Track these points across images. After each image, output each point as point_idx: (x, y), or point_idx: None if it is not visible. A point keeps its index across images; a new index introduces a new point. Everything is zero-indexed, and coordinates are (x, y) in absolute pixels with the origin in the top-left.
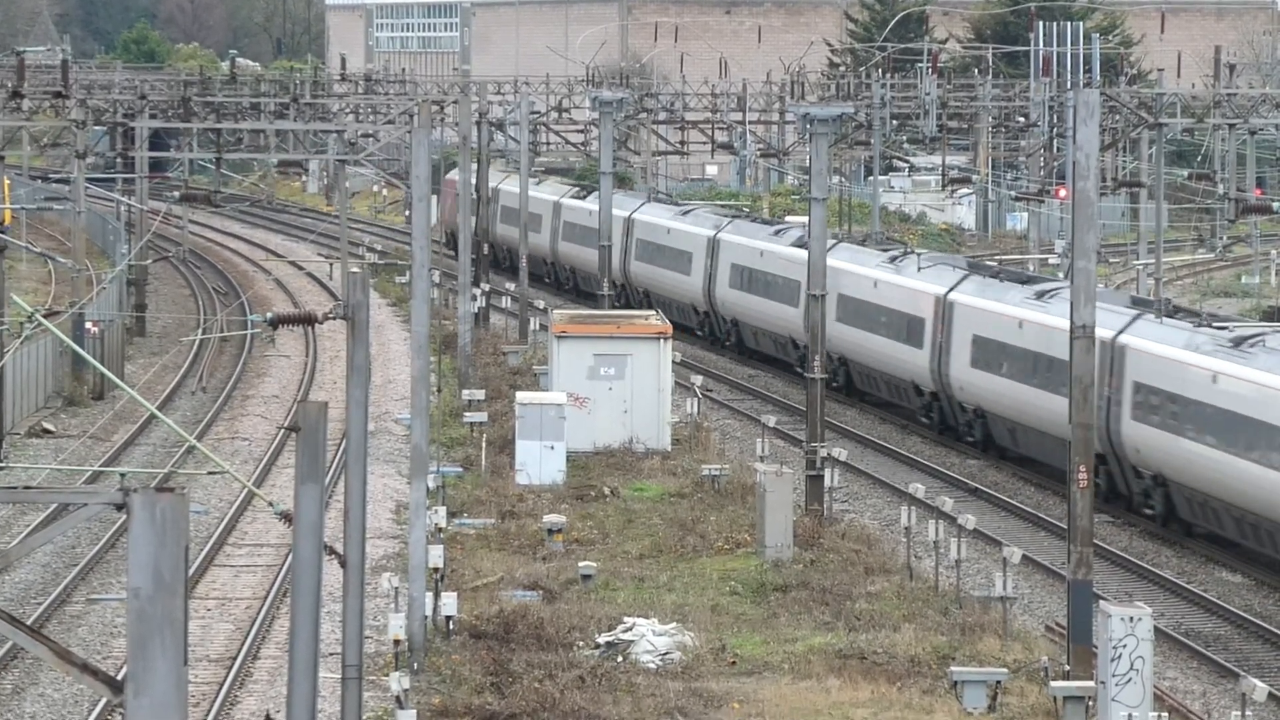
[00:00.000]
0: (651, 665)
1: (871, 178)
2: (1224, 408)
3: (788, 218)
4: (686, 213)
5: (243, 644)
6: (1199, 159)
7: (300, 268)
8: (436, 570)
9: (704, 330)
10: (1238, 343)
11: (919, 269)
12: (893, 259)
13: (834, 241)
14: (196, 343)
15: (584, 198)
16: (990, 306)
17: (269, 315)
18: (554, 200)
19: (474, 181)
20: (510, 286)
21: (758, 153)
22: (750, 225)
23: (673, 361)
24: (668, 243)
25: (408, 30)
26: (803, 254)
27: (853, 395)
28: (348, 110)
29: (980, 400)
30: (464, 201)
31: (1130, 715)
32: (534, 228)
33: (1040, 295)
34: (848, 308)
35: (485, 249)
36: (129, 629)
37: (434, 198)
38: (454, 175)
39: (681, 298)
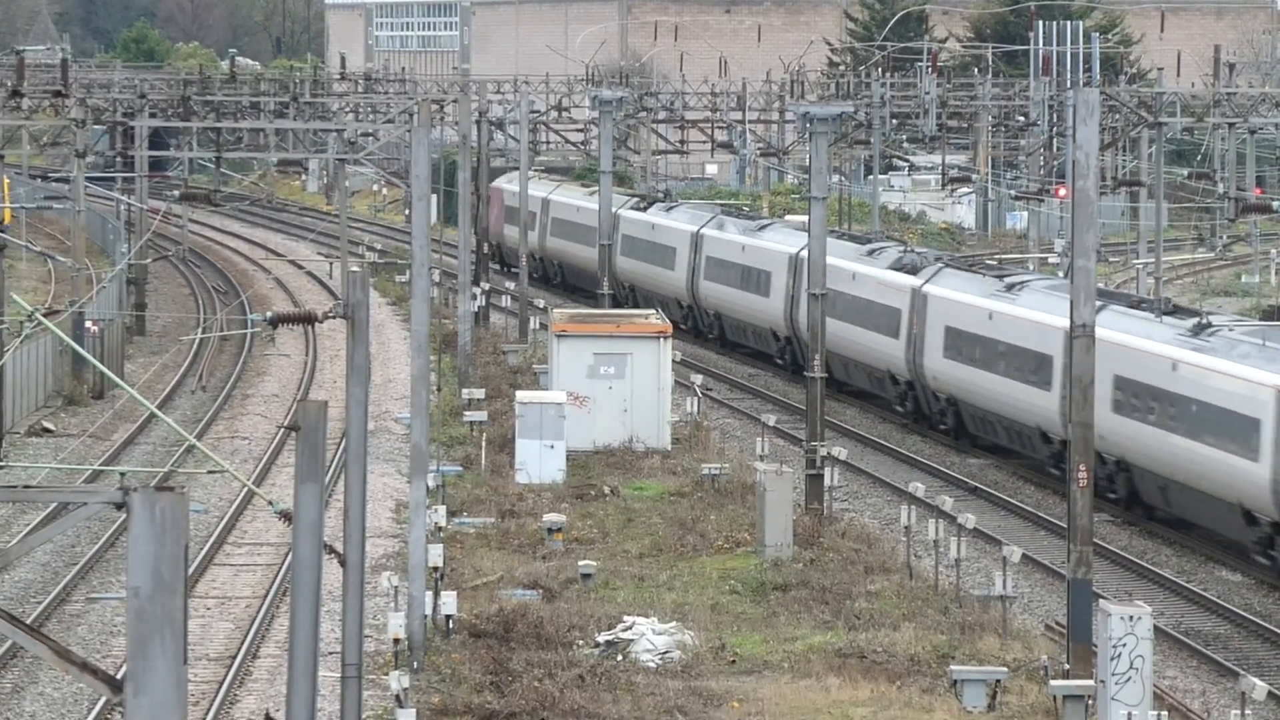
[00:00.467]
0: (651, 664)
1: (871, 177)
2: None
3: (787, 217)
4: (764, 228)
5: (242, 643)
6: (1199, 158)
7: (300, 267)
8: (436, 569)
9: (783, 359)
10: (1010, 287)
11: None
12: (871, 252)
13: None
14: (196, 342)
15: (645, 209)
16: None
17: (269, 314)
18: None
19: (512, 189)
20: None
21: (757, 152)
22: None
23: (672, 360)
24: (743, 260)
25: (407, 29)
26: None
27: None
28: (347, 109)
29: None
30: (523, 210)
31: (1130, 714)
32: (587, 241)
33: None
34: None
35: (513, 259)
36: (129, 628)
37: (472, 204)
38: (501, 183)
39: (760, 322)
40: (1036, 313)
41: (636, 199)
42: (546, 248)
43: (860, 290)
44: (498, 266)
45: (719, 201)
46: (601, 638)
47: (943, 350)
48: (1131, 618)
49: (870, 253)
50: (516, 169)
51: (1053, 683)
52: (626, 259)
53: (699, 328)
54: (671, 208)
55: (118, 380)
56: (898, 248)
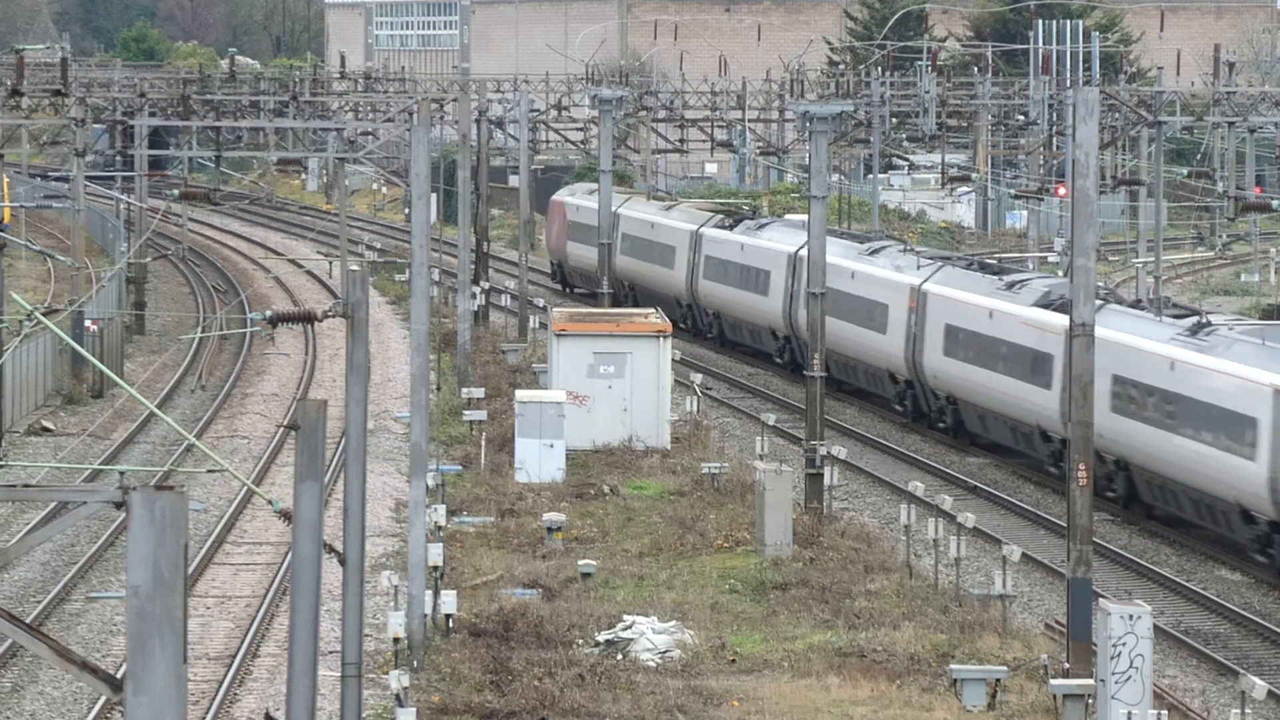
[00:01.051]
0: (651, 663)
1: (871, 176)
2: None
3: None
4: (876, 252)
5: (242, 642)
6: (1198, 157)
7: (300, 266)
8: (436, 568)
9: (907, 407)
10: (1011, 285)
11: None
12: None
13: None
14: (196, 341)
15: (732, 227)
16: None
17: (268, 313)
18: (692, 230)
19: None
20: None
21: (757, 151)
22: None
23: (672, 359)
24: (855, 289)
25: (407, 28)
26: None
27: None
28: (347, 108)
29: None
30: (603, 222)
31: (1130, 713)
32: (664, 262)
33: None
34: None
35: (577, 280)
36: (128, 627)
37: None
38: (564, 196)
39: (876, 365)
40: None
41: (719, 215)
42: (618, 267)
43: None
44: (561, 287)
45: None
46: (601, 637)
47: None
48: (1131, 616)
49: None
50: (582, 180)
51: (1052, 681)
52: (710, 283)
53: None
54: (763, 225)
55: (117, 379)
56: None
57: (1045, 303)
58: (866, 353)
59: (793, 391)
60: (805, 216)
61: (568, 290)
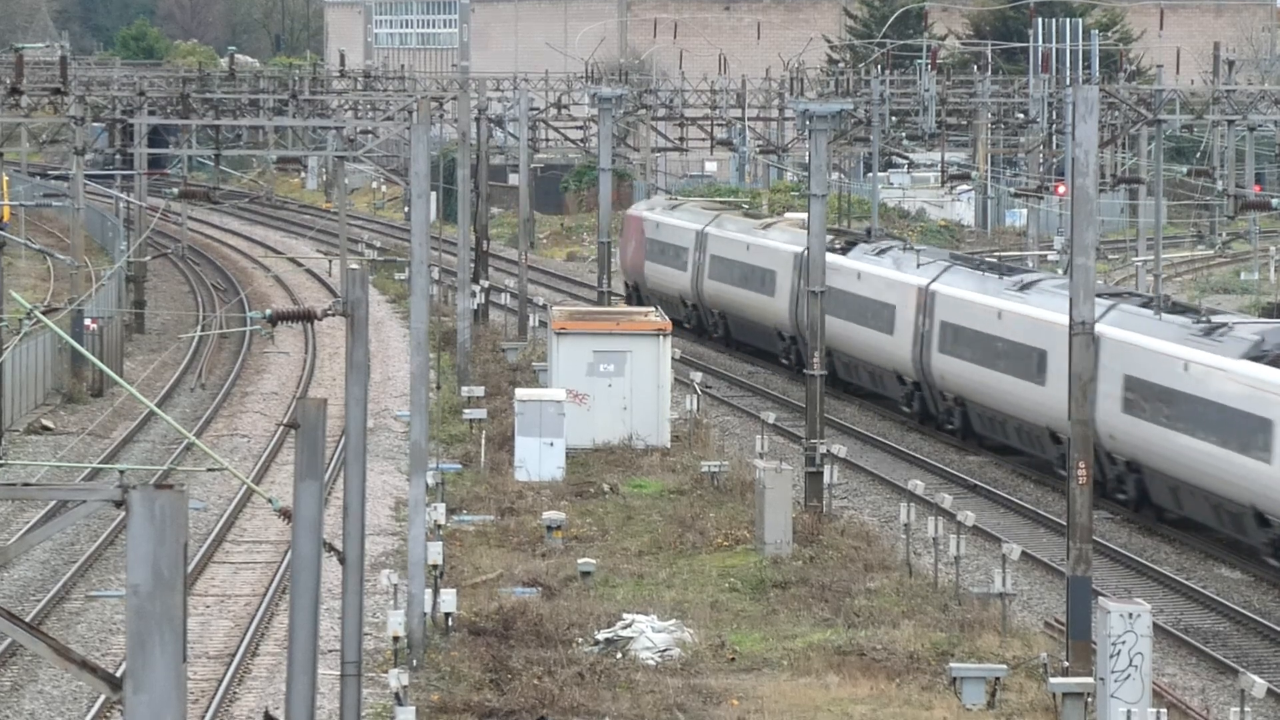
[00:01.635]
0: (651, 662)
1: (871, 174)
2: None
3: (787, 214)
4: (1026, 289)
5: (242, 641)
6: (1198, 155)
7: (299, 264)
8: (436, 567)
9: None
10: (1021, 286)
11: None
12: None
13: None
14: (195, 339)
15: (844, 251)
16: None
17: (268, 312)
18: (796, 252)
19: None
20: (698, 383)
21: (757, 149)
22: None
23: (672, 358)
24: (1001, 335)
25: (406, 26)
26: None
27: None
28: (347, 107)
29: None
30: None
31: (1129, 711)
32: (762, 289)
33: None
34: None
35: (655, 304)
36: (128, 626)
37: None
38: (642, 210)
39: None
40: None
41: (829, 237)
42: (703, 293)
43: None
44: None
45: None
46: (601, 635)
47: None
48: (1131, 615)
49: (876, 251)
50: (660, 191)
51: (1052, 680)
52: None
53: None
54: (883, 250)
55: (117, 378)
56: (899, 245)
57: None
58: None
59: (792, 390)
60: (922, 246)
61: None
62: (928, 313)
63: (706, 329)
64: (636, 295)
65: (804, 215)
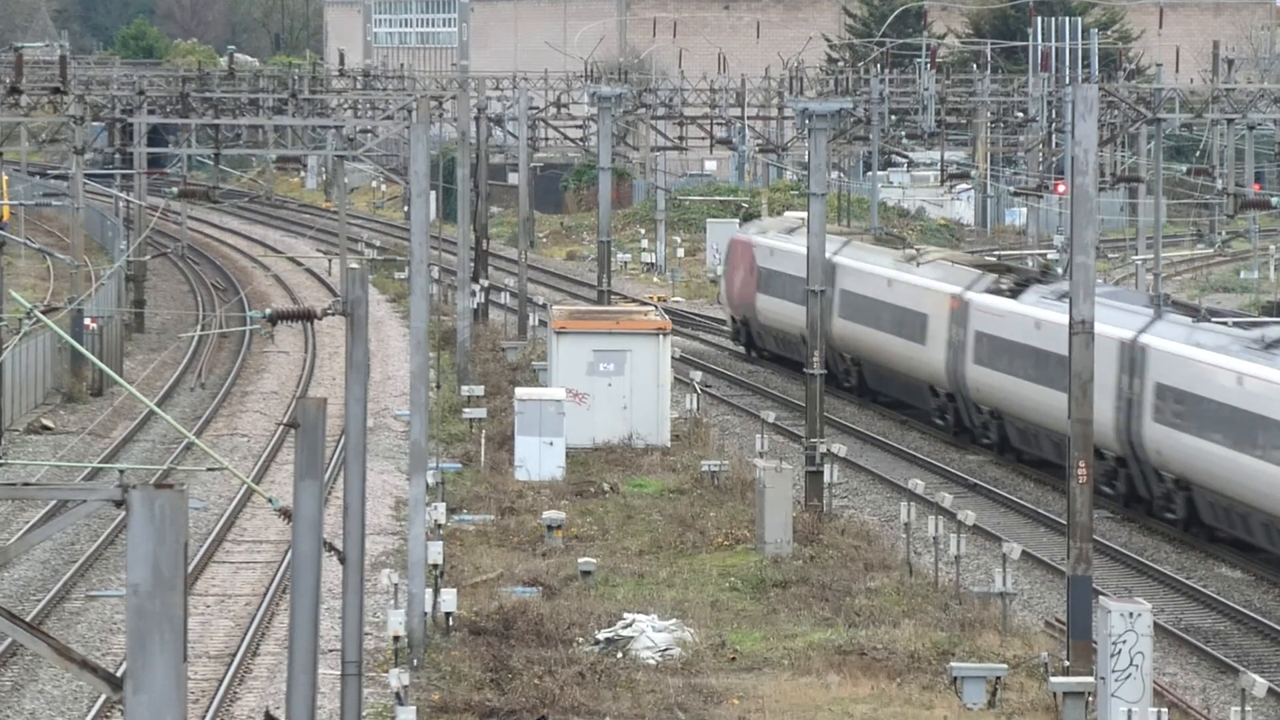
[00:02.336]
0: (651, 661)
1: (870, 173)
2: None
3: (787, 213)
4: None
5: (242, 640)
6: (1197, 154)
7: (299, 264)
8: (436, 566)
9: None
10: (1269, 345)
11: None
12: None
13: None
14: (195, 339)
15: (1015, 294)
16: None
17: (268, 311)
18: (954, 293)
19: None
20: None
21: (756, 148)
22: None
23: (672, 357)
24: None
25: (406, 26)
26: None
27: (1006, 451)
28: (346, 106)
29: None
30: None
31: (1130, 711)
32: (909, 334)
33: (1269, 346)
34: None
35: (767, 342)
36: (128, 625)
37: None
38: (752, 235)
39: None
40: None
41: (992, 275)
42: (834, 334)
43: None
44: (745, 350)
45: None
46: (601, 635)
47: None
48: (1131, 614)
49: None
50: (782, 213)
51: (1053, 679)
52: (986, 371)
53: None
54: (1065, 294)
55: (117, 377)
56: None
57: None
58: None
59: (791, 389)
60: (1106, 286)
61: (753, 354)
62: (1135, 372)
63: (835, 376)
64: (746, 331)
65: (951, 250)
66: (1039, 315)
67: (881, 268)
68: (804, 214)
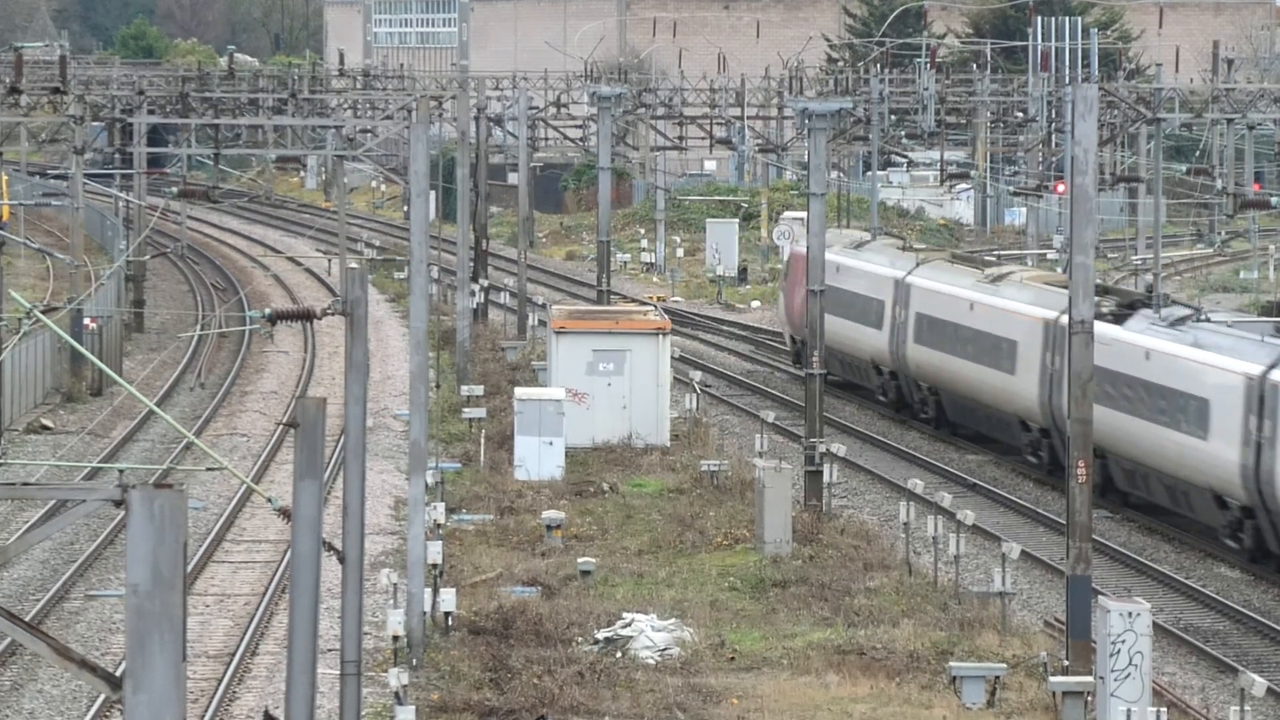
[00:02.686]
0: (650, 661)
1: (870, 173)
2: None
3: (786, 213)
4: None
5: (241, 640)
6: (1197, 154)
7: (298, 263)
8: (435, 566)
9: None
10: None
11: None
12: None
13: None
14: (195, 339)
15: (1121, 319)
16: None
17: (267, 311)
18: (1045, 318)
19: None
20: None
21: (756, 148)
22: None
23: (671, 357)
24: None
25: (406, 25)
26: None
27: (1109, 494)
28: (346, 106)
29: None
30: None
31: (1129, 710)
32: (993, 361)
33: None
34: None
35: (837, 368)
36: (127, 625)
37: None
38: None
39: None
40: None
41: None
42: (907, 359)
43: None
44: (799, 368)
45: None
46: (601, 634)
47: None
48: (1130, 614)
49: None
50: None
51: (1052, 679)
52: (1111, 410)
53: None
54: (1179, 320)
55: (116, 377)
56: (1193, 312)
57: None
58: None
59: (791, 389)
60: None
61: (805, 368)
62: (1266, 414)
63: (909, 405)
64: (806, 352)
65: (1039, 269)
66: (1149, 345)
67: (961, 289)
68: (866, 233)
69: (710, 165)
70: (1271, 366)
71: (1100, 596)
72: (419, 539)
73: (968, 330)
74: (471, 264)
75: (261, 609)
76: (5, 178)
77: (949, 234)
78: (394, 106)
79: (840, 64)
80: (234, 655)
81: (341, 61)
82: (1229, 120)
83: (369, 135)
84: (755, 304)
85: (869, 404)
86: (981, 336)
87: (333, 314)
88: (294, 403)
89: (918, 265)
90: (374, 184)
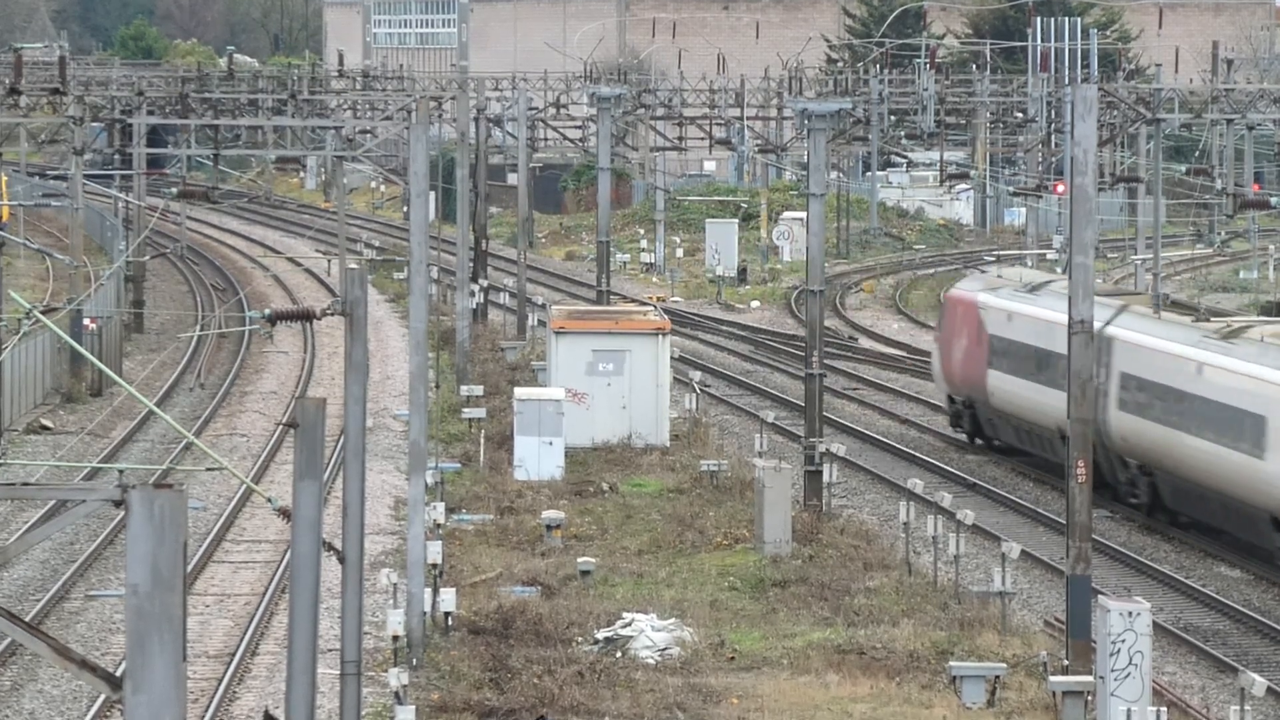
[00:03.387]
0: (650, 660)
1: (869, 173)
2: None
3: (785, 213)
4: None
5: (241, 640)
6: (1197, 154)
7: (298, 264)
8: (435, 566)
9: None
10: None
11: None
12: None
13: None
14: (194, 339)
15: None
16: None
17: (267, 311)
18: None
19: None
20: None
21: (756, 148)
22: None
23: (671, 357)
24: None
25: (405, 26)
26: None
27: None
28: (345, 106)
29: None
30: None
31: (1129, 710)
32: (1228, 439)
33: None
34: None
35: (998, 432)
36: (127, 625)
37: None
38: (978, 291)
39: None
40: None
41: None
42: (1109, 429)
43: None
44: (968, 438)
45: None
46: (600, 634)
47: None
48: (1130, 613)
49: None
50: (1013, 261)
51: (1052, 679)
52: None
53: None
54: None
55: (116, 378)
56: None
57: None
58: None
59: (791, 388)
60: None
61: (975, 441)
62: None
63: (1110, 484)
64: (970, 416)
65: None
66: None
67: (1182, 344)
68: (1052, 274)
69: (710, 166)
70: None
71: (1100, 596)
72: (419, 539)
73: (1195, 398)
74: (471, 264)
75: (261, 609)
76: (5, 178)
77: (948, 234)
78: (393, 107)
79: (840, 64)
80: (234, 655)
81: (341, 62)
82: (1228, 120)
83: (368, 136)
84: (755, 304)
85: (1049, 478)
86: (1214, 407)
87: (332, 314)
88: (294, 403)
89: (1119, 313)
90: (373, 184)
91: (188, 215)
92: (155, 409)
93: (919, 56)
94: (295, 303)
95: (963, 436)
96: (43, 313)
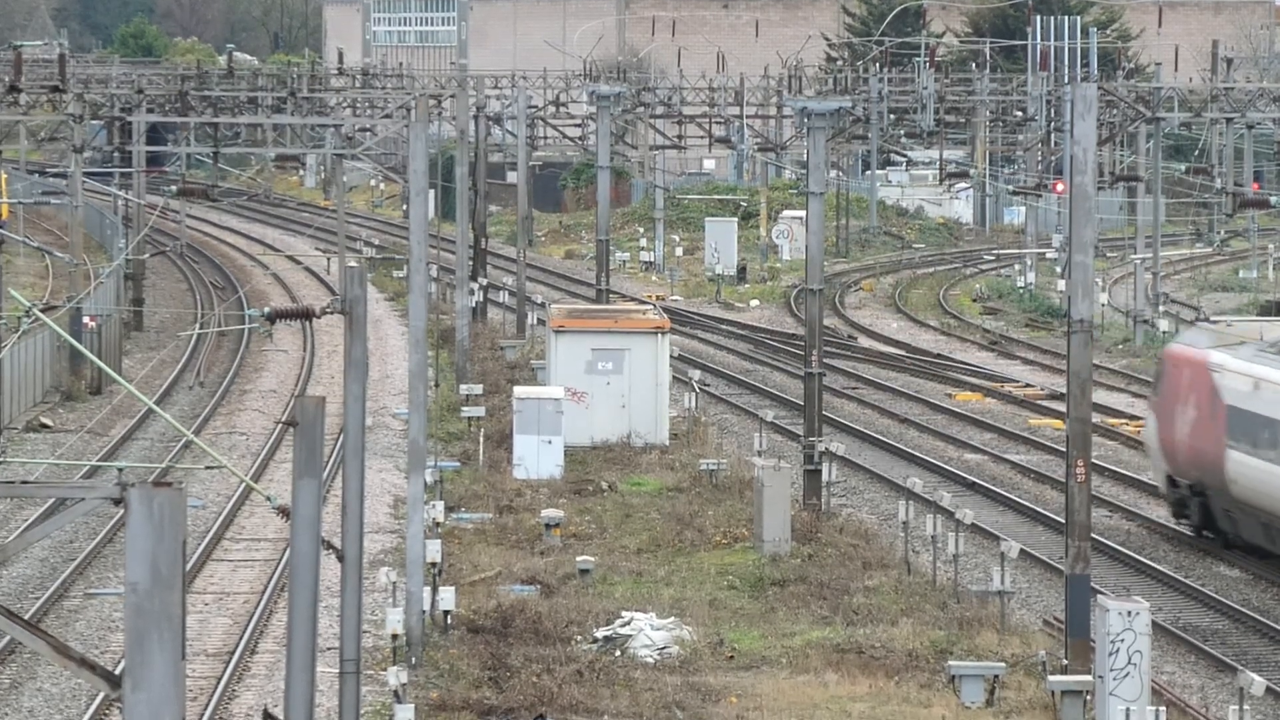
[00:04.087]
0: (649, 659)
1: (869, 172)
2: None
3: (785, 212)
4: None
5: (240, 638)
6: (1196, 153)
7: (298, 262)
8: (434, 565)
9: None
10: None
11: None
12: None
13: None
14: (194, 337)
15: None
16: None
17: (266, 310)
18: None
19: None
20: None
21: (755, 147)
22: None
23: (670, 356)
24: None
25: (405, 24)
26: None
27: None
28: (345, 104)
29: None
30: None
31: (1128, 709)
32: None
33: None
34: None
35: (1237, 530)
36: (127, 623)
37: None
38: (1206, 351)
39: None
40: None
41: None
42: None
43: None
44: (1195, 532)
45: None
46: (599, 633)
47: None
48: (1130, 613)
49: None
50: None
51: (1051, 678)
52: None
53: None
54: None
55: (115, 376)
56: None
57: None
58: None
59: (790, 388)
60: None
61: (1205, 535)
62: None
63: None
64: (1200, 506)
65: None
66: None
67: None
68: None
69: (709, 164)
70: None
71: (1099, 595)
72: (418, 537)
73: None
74: (470, 263)
75: (260, 607)
76: (4, 176)
77: (948, 233)
78: (393, 105)
79: (839, 63)
80: (233, 653)
81: (340, 60)
82: (1228, 119)
83: (368, 134)
84: (754, 303)
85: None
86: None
87: (332, 313)
88: (293, 401)
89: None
90: (373, 183)
91: (187, 213)
92: (155, 407)
93: (919, 55)
94: (295, 301)
95: (1187, 530)
96: (42, 311)
